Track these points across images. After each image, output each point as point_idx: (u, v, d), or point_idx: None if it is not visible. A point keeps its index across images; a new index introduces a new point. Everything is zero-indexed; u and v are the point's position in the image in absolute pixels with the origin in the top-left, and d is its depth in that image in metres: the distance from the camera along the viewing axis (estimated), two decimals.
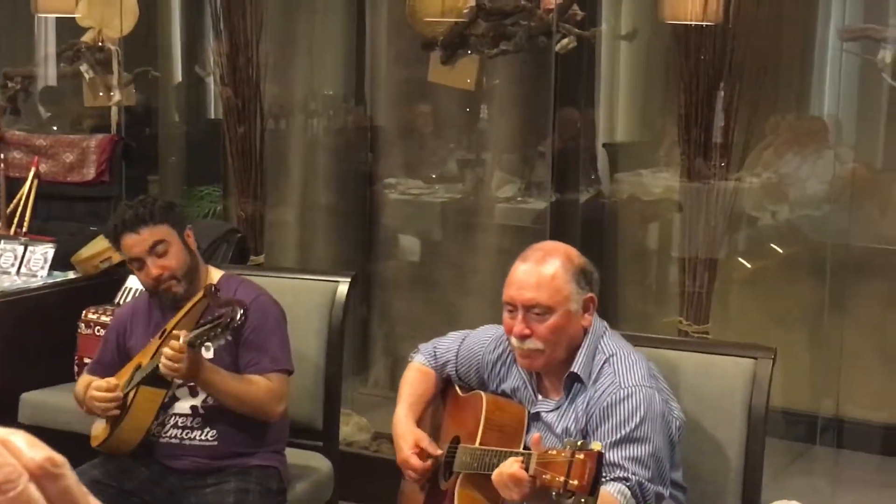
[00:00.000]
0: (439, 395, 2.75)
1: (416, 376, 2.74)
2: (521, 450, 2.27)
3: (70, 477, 0.69)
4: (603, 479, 2.09)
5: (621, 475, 2.24)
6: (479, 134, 5.23)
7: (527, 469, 2.11)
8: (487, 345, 2.64)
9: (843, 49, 4.35)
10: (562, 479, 2.01)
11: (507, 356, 2.58)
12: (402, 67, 5.21)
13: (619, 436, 2.28)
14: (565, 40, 3.84)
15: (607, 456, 2.24)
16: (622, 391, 2.32)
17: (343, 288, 3.31)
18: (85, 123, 5.41)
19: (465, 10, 4.19)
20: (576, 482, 1.99)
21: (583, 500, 1.98)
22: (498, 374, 2.61)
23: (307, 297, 3.32)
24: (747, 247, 4.74)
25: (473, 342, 2.68)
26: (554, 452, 2.05)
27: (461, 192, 5.21)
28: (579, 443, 2.04)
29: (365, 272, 5.14)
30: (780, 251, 4.74)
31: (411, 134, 5.38)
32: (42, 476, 0.67)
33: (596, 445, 2.02)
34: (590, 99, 4.95)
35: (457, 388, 2.70)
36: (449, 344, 2.72)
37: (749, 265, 4.69)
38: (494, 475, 2.21)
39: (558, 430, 2.42)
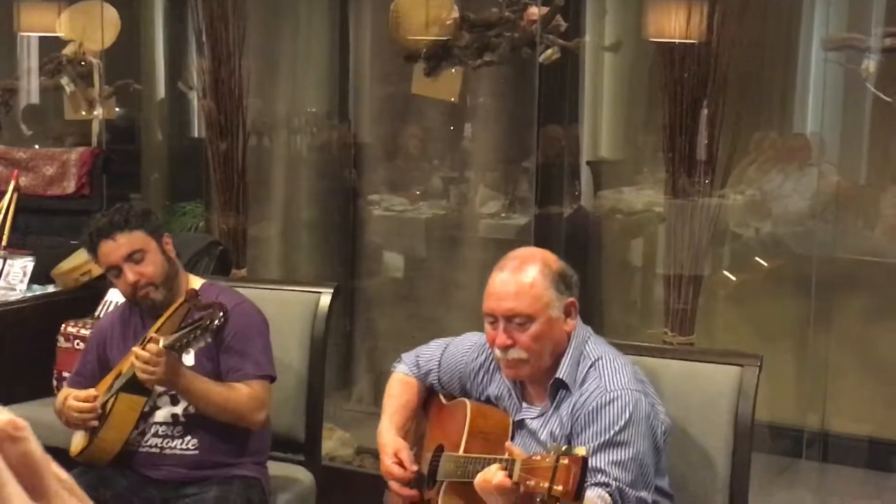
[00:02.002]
0: (423, 403, 2.72)
1: (399, 387, 2.71)
2: (505, 456, 2.24)
3: (31, 441, 0.67)
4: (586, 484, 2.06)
5: (602, 480, 2.21)
6: (463, 151, 5.22)
7: (510, 475, 2.08)
8: (470, 353, 2.61)
9: (826, 59, 4.35)
10: (546, 484, 1.98)
11: (490, 364, 2.55)
12: (385, 84, 5.20)
13: (602, 439, 2.25)
14: (549, 51, 3.83)
15: (591, 461, 2.21)
16: (608, 395, 2.29)
17: (325, 299, 3.28)
18: (67, 141, 5.38)
19: (449, 23, 4.18)
20: (560, 488, 1.96)
21: None
22: (481, 383, 2.58)
23: (289, 309, 3.29)
24: (732, 262, 4.73)
25: (456, 351, 2.65)
26: (538, 458, 2.02)
27: (445, 208, 5.20)
28: (563, 448, 2.01)
29: (348, 288, 5.11)
30: (766, 265, 4.73)
31: (395, 151, 5.37)
32: (3, 439, 0.66)
33: (580, 450, 1.99)
34: (574, 115, 4.94)
35: (441, 397, 2.68)
36: (431, 353, 2.69)
37: (734, 279, 4.68)
38: (477, 482, 2.17)
39: (543, 437, 2.39)
